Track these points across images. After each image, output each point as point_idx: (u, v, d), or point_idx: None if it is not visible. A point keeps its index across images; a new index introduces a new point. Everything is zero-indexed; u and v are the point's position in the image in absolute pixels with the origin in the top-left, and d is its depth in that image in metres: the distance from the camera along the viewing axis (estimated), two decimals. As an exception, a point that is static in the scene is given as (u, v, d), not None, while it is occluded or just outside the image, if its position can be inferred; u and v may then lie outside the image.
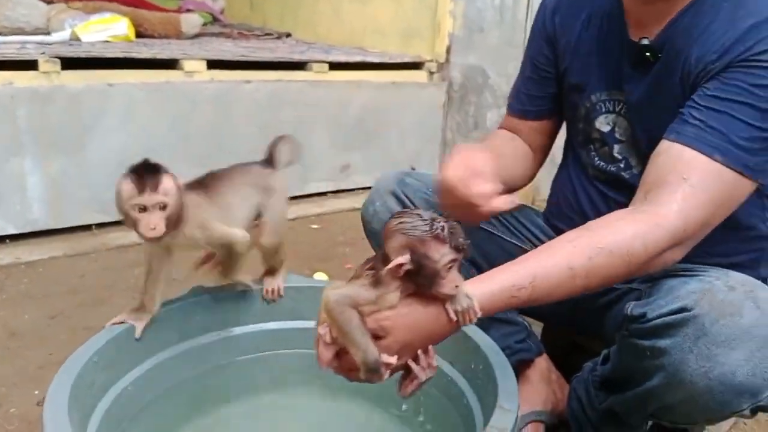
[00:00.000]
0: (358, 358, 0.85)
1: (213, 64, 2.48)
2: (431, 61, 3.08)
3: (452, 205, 1.03)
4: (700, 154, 0.94)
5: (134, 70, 2.30)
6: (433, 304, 0.87)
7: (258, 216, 1.21)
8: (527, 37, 1.36)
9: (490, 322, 1.21)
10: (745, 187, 0.97)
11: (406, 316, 0.86)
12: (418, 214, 0.84)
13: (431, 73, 3.09)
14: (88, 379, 1.01)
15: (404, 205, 1.29)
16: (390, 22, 3.26)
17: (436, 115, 3.13)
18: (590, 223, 0.97)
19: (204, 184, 1.14)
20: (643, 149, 1.10)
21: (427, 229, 0.82)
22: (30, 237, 2.16)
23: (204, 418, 1.23)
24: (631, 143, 1.15)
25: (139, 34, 2.76)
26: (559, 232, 1.17)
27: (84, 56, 2.22)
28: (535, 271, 0.90)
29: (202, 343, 1.25)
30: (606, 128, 1.19)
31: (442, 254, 0.82)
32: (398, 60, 3.04)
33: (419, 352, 0.89)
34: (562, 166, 1.34)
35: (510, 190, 1.33)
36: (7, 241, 2.13)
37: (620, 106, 1.16)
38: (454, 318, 0.86)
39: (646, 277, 1.03)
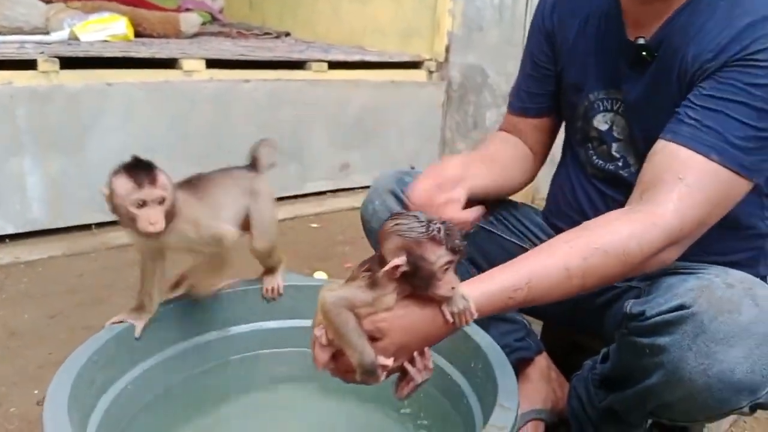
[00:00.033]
0: (354, 360, 0.85)
1: (212, 64, 2.48)
2: (430, 60, 3.08)
3: None
4: (696, 153, 0.95)
5: (133, 69, 2.30)
6: (429, 306, 0.87)
7: (246, 220, 1.21)
8: (526, 34, 1.36)
9: (489, 320, 1.21)
10: (741, 186, 0.96)
11: (403, 318, 0.86)
12: (414, 216, 0.84)
13: (430, 72, 3.09)
14: (88, 378, 1.01)
15: (403, 204, 1.28)
16: (389, 21, 3.26)
17: (436, 114, 3.13)
18: (586, 223, 0.98)
19: (192, 184, 1.14)
20: (640, 148, 1.10)
21: (424, 230, 0.82)
22: (29, 236, 2.16)
23: (204, 417, 1.23)
24: (629, 142, 1.16)
25: (137, 34, 2.75)
26: (558, 230, 1.18)
27: (83, 56, 2.22)
28: (532, 272, 0.90)
29: (201, 342, 1.25)
30: (604, 127, 1.19)
31: (438, 256, 0.82)
32: (397, 59, 3.04)
33: (415, 354, 0.89)
34: (561, 165, 1.34)
35: (508, 193, 1.33)
36: (7, 240, 2.13)
37: (618, 105, 1.16)
38: (451, 320, 0.86)
39: (645, 275, 1.03)
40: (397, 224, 0.84)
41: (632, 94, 1.11)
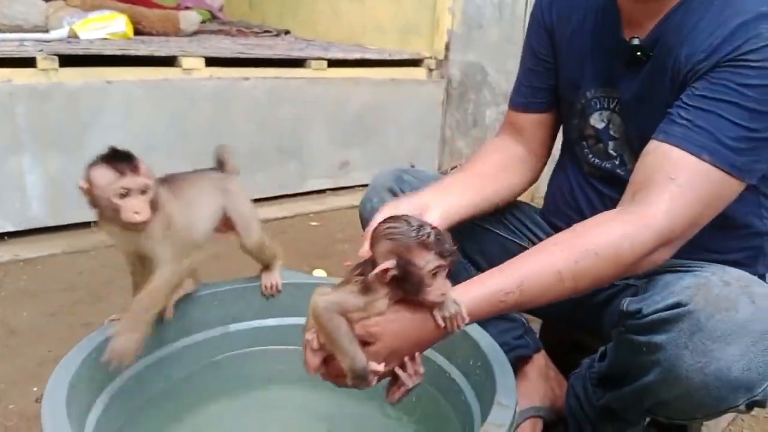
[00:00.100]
0: (345, 365, 0.85)
1: (211, 62, 2.48)
2: (430, 58, 3.08)
3: None
4: (688, 154, 0.94)
5: (132, 67, 2.31)
6: (420, 311, 0.87)
7: (228, 220, 1.19)
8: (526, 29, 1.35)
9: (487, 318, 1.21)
10: (732, 186, 0.96)
11: (394, 323, 0.86)
12: (406, 220, 0.84)
13: (430, 70, 3.09)
14: (87, 375, 1.01)
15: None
16: (389, 19, 3.26)
17: (435, 112, 3.13)
18: (578, 225, 0.98)
19: (167, 181, 1.10)
20: (636, 147, 1.10)
21: (414, 235, 0.82)
22: (29, 234, 2.17)
23: (203, 415, 1.23)
24: (625, 140, 1.15)
25: (137, 32, 2.76)
26: (556, 229, 1.18)
27: (82, 53, 2.22)
28: (523, 275, 0.90)
29: (200, 340, 1.25)
30: (601, 125, 1.19)
31: (427, 261, 0.81)
32: (397, 57, 3.04)
33: (406, 359, 0.89)
34: (559, 164, 1.34)
35: (506, 202, 1.31)
36: (6, 238, 2.14)
37: (614, 103, 1.15)
38: (442, 324, 0.86)
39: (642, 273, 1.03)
40: (388, 228, 0.84)
41: (628, 92, 1.11)
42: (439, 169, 3.16)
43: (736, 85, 0.93)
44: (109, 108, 2.24)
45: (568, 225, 0.99)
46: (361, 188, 2.88)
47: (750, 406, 0.92)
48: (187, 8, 3.44)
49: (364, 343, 0.86)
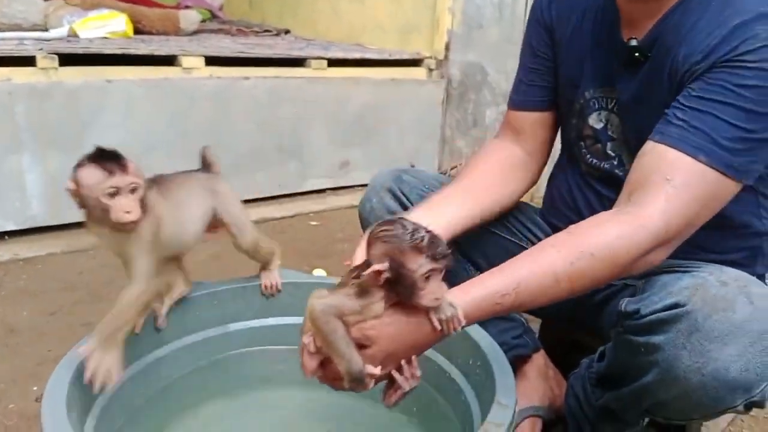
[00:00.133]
0: (342, 368, 0.85)
1: (211, 61, 2.48)
2: (430, 57, 3.08)
3: None
4: (684, 154, 0.94)
5: (132, 66, 2.31)
6: (417, 314, 0.86)
7: (219, 221, 1.18)
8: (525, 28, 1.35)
9: (486, 317, 1.21)
10: (728, 187, 0.96)
11: (391, 326, 0.86)
12: (401, 224, 0.84)
13: (430, 70, 3.09)
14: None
15: (401, 203, 1.29)
16: (389, 18, 3.26)
17: (435, 112, 3.13)
18: (574, 226, 0.98)
19: (155, 182, 1.08)
20: (634, 147, 1.09)
21: (408, 238, 0.82)
22: (28, 233, 2.17)
23: (203, 414, 1.23)
24: (623, 141, 1.15)
25: (137, 31, 2.76)
26: (555, 229, 1.18)
27: (82, 52, 2.22)
28: (519, 277, 0.91)
29: (200, 340, 1.25)
30: (599, 125, 1.19)
31: (419, 264, 0.81)
32: (397, 57, 3.04)
33: (403, 362, 0.89)
34: (558, 164, 1.34)
35: (505, 209, 1.29)
36: (6, 237, 2.14)
37: (612, 104, 1.15)
38: (438, 327, 0.86)
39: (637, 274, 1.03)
40: (383, 230, 0.84)
41: (626, 93, 1.11)
42: (439, 169, 3.16)
43: (732, 86, 0.93)
44: (109, 107, 2.24)
45: (567, 225, 0.99)
46: (361, 188, 2.88)
47: (748, 407, 0.92)
48: (187, 7, 3.43)
49: (361, 346, 0.86)
